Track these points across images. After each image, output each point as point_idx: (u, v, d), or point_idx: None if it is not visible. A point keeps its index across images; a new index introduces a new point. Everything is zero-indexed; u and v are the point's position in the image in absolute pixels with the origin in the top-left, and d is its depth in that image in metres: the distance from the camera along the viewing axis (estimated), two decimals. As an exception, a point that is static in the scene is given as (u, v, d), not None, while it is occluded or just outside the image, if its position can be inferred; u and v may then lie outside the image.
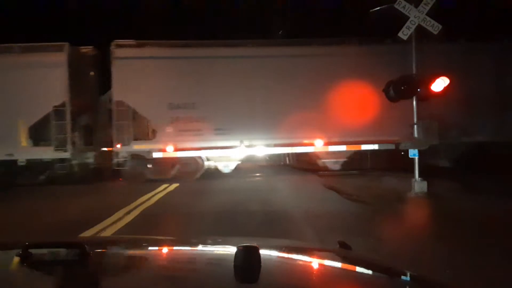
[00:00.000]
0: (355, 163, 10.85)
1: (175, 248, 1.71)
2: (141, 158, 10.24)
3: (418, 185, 7.46)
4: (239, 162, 10.80)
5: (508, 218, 5.32)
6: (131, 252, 1.62)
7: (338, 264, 1.45)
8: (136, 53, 10.06)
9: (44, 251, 1.31)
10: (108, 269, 1.29)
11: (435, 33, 7.30)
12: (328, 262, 1.49)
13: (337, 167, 10.79)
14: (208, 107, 10.05)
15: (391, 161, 10.51)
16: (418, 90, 7.33)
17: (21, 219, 6.08)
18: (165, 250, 1.67)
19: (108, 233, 4.95)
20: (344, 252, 1.61)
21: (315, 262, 1.49)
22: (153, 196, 7.91)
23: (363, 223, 5.51)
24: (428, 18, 7.26)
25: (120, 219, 5.74)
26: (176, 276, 1.20)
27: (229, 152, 10.33)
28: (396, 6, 7.31)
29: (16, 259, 1.25)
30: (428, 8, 7.25)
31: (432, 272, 3.28)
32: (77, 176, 10.28)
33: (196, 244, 1.72)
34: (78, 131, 10.41)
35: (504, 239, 4.31)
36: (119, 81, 9.92)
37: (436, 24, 7.27)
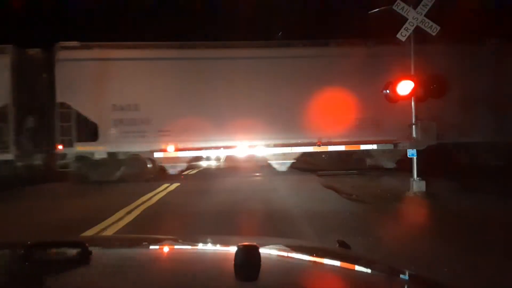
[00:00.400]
0: (305, 163, 11.10)
1: (175, 247, 1.72)
2: (85, 160, 10.26)
3: (417, 184, 7.49)
4: (187, 164, 10.71)
5: (505, 218, 5.35)
6: (132, 251, 1.64)
7: (337, 263, 1.46)
8: (80, 55, 10.05)
9: (46, 250, 1.32)
10: (110, 268, 1.30)
11: (434, 34, 7.33)
12: (327, 261, 1.51)
13: (283, 168, 10.83)
14: (152, 108, 10.08)
15: (331, 163, 10.96)
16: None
17: (23, 219, 6.09)
18: (166, 249, 1.69)
19: (109, 232, 4.96)
20: (343, 251, 1.62)
21: (314, 261, 1.51)
22: (153, 195, 7.92)
23: (362, 223, 5.53)
24: (427, 20, 7.28)
25: (121, 218, 5.75)
26: (177, 275, 1.21)
27: (175, 154, 10.30)
28: (394, 7, 7.33)
29: (19, 259, 1.26)
30: (426, 9, 7.27)
31: (431, 271, 3.30)
32: (23, 178, 10.16)
33: (196, 243, 1.74)
34: (26, 133, 10.33)
35: (502, 239, 4.33)
36: (62, 83, 9.92)
37: (434, 25, 7.29)
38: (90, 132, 10.14)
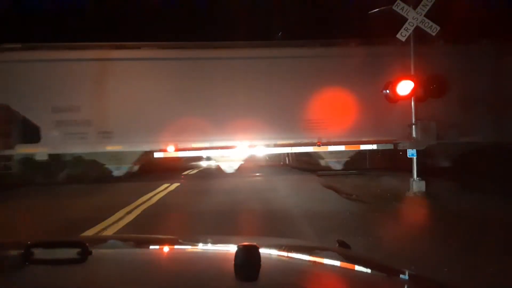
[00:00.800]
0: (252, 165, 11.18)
1: (176, 247, 1.73)
2: (28, 162, 10.17)
3: (417, 184, 7.49)
4: (133, 165, 10.57)
5: (506, 218, 5.35)
6: (132, 251, 1.64)
7: (337, 263, 1.46)
8: (22, 57, 9.95)
9: (46, 250, 1.32)
10: (110, 268, 1.30)
11: (433, 34, 7.33)
12: (327, 261, 1.51)
13: (231, 170, 10.87)
14: (93, 110, 9.99)
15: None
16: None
17: (22, 219, 6.08)
18: (166, 249, 1.69)
19: (109, 232, 4.96)
20: (343, 251, 1.62)
21: (314, 261, 1.51)
22: (154, 195, 7.93)
23: (362, 223, 5.53)
24: (427, 20, 7.28)
25: (121, 218, 5.74)
26: (177, 275, 1.21)
27: (121, 155, 10.20)
28: (394, 7, 7.33)
29: (19, 259, 1.26)
30: (426, 9, 7.27)
31: (431, 271, 3.30)
32: None
33: (196, 243, 1.74)
34: None
35: (502, 239, 4.33)
36: (4, 85, 9.85)
37: (434, 25, 7.29)
38: (32, 134, 10.01)
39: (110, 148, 10.09)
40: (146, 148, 10.25)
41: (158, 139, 10.06)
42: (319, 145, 10.41)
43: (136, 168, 10.72)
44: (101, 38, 10.68)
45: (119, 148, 10.12)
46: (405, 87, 7.40)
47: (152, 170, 11.77)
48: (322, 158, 10.97)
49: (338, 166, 10.83)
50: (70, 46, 10.27)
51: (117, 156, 10.25)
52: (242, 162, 10.85)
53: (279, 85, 10.31)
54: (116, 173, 10.46)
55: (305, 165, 12.69)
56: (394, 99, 7.77)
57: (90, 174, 10.55)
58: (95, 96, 9.99)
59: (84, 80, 10.02)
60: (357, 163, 11.07)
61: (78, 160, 10.39)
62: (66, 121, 9.94)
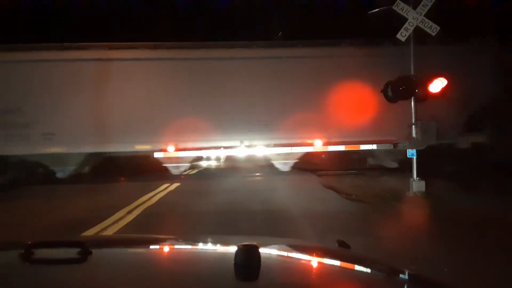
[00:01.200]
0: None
1: (176, 246, 1.73)
2: None
3: (416, 184, 7.50)
4: (77, 167, 10.41)
5: (505, 218, 5.35)
6: (132, 251, 1.64)
7: (337, 263, 1.46)
8: None
9: (46, 250, 1.32)
10: (110, 268, 1.30)
11: (433, 34, 7.33)
12: (327, 261, 1.51)
13: (177, 172, 10.76)
14: (36, 111, 9.79)
15: None
16: (416, 91, 7.42)
17: (22, 219, 6.09)
18: (166, 248, 1.69)
19: (109, 232, 4.96)
20: (343, 251, 1.62)
21: (314, 261, 1.51)
22: (154, 195, 7.93)
23: (362, 223, 5.53)
24: (426, 20, 7.28)
25: (121, 218, 5.75)
26: (177, 275, 1.21)
27: (63, 156, 10.05)
28: (394, 7, 7.33)
29: (19, 259, 1.27)
30: (426, 9, 7.27)
31: (431, 271, 3.30)
32: None
33: (197, 243, 1.74)
34: None
35: (502, 238, 4.34)
36: None
37: (434, 25, 7.29)
38: None
39: (52, 149, 9.89)
40: (91, 149, 10.11)
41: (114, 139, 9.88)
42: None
43: (86, 169, 10.62)
44: (48, 38, 10.38)
45: (62, 150, 9.93)
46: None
47: (106, 171, 11.47)
48: (272, 160, 11.03)
49: (286, 168, 10.90)
50: (13, 47, 10.06)
51: (60, 158, 10.08)
52: (189, 164, 10.81)
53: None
54: (59, 174, 10.28)
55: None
56: (394, 99, 7.75)
57: (35, 176, 10.45)
58: (38, 98, 9.79)
59: (28, 82, 9.84)
60: (307, 164, 11.19)
61: (21, 161, 10.27)
62: (8, 123, 9.74)
